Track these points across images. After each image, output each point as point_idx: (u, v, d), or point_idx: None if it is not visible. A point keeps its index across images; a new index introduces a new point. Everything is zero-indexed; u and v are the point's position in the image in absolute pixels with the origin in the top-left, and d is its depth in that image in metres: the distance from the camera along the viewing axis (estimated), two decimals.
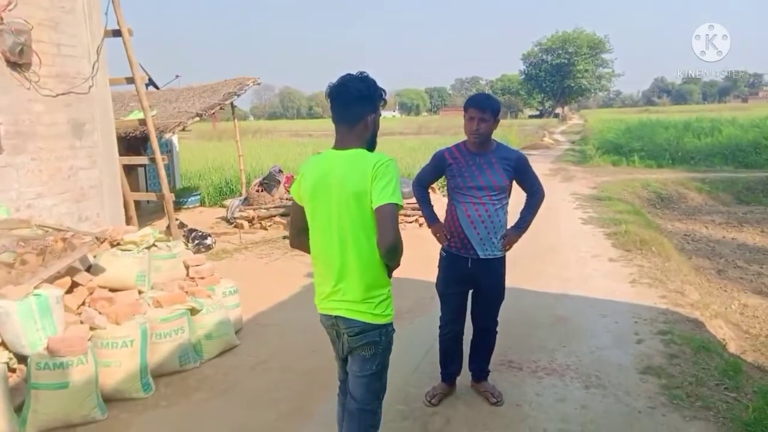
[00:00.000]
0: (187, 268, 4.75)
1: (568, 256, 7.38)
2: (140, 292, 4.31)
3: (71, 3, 4.91)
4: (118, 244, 4.48)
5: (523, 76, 72.83)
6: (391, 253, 2.20)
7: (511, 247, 3.47)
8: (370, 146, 2.34)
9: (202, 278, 4.69)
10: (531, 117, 72.63)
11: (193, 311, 4.30)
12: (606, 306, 5.36)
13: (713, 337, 4.80)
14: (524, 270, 5.90)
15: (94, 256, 4.33)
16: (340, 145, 2.32)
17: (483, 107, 3.27)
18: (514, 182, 3.46)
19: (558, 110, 70.97)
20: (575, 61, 63.76)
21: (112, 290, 4.17)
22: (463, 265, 3.41)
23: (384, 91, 2.34)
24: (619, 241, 7.99)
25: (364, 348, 2.33)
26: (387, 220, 2.14)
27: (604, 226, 9.17)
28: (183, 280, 4.64)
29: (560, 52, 65.06)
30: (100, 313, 3.82)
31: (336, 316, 2.35)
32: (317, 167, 2.35)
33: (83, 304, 3.96)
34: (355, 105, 2.27)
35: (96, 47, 5.08)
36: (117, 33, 5.84)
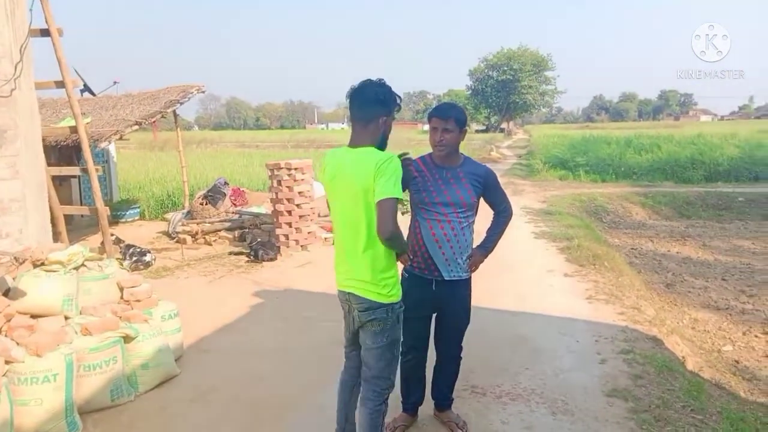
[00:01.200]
0: (121, 290, 4.32)
1: (523, 271, 7.28)
2: (67, 318, 3.87)
3: None
4: (43, 263, 4.01)
5: (470, 92, 74.10)
6: (390, 241, 2.52)
7: (476, 268, 3.28)
8: (381, 145, 2.62)
9: (138, 301, 4.27)
10: (478, 131, 73.84)
11: (127, 338, 3.88)
12: (565, 324, 5.24)
13: (673, 355, 4.73)
14: (480, 286, 5.64)
15: (14, 278, 3.86)
16: (353, 142, 2.62)
17: (445, 116, 3.10)
18: (481, 200, 3.26)
19: (503, 125, 72.46)
20: (520, 77, 65.37)
21: (35, 316, 3.71)
22: (427, 288, 3.18)
23: (399, 97, 2.64)
24: (573, 256, 7.97)
25: (373, 323, 2.63)
26: (386, 212, 2.45)
27: (557, 240, 9.17)
28: (116, 304, 4.21)
29: (505, 68, 66.55)
30: (17, 343, 3.37)
31: (349, 293, 2.66)
32: (334, 162, 2.68)
33: None
34: (370, 106, 2.57)
35: (19, 47, 4.60)
36: (45, 32, 5.36)
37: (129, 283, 4.36)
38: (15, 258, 3.68)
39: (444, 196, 3.09)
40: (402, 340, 3.29)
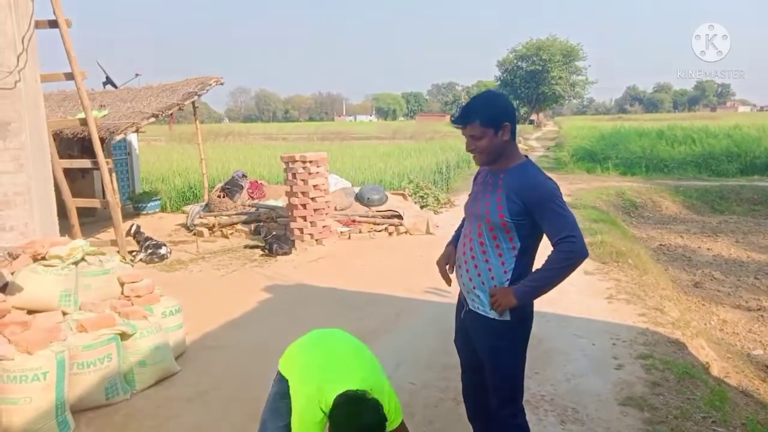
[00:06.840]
0: (122, 285, 4.26)
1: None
2: (64, 314, 3.81)
3: None
4: (43, 258, 3.97)
5: (499, 83, 73.07)
6: None
7: (499, 307, 2.40)
8: None
9: (139, 297, 4.19)
10: None
11: (124, 335, 3.81)
12: (582, 325, 5.01)
13: (696, 361, 4.48)
14: None
15: (12, 273, 3.81)
16: None
17: (463, 122, 2.40)
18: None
19: (533, 117, 71.37)
20: (549, 68, 64.26)
21: (31, 312, 3.67)
22: (459, 312, 2.69)
23: None
24: (595, 253, 7.66)
25: None
26: None
27: None
28: (117, 300, 4.14)
29: (535, 59, 65.51)
30: (9, 340, 3.31)
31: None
32: None
33: None
34: None
35: (22, 37, 4.55)
36: (54, 24, 5.33)
37: (130, 279, 4.29)
38: (9, 253, 3.62)
39: (475, 205, 2.51)
40: None
